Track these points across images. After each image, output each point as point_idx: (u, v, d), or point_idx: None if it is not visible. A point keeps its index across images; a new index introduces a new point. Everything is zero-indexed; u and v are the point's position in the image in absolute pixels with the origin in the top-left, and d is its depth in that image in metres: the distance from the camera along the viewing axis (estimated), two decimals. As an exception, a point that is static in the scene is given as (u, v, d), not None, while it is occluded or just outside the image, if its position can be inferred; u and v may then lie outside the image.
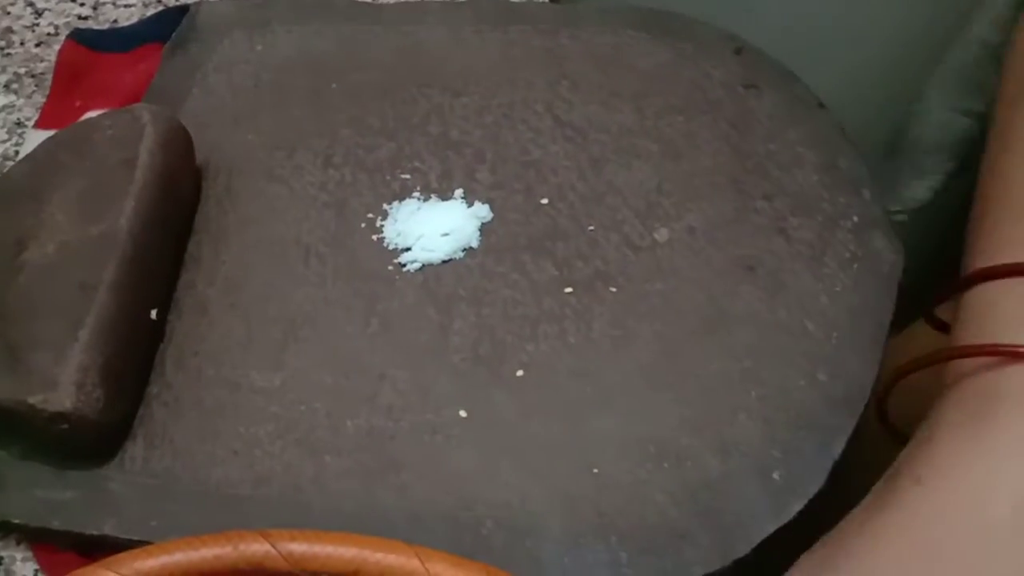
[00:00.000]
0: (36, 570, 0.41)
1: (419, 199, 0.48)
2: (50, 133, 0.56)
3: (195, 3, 0.60)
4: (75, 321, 0.41)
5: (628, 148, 0.48)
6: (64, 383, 0.40)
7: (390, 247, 0.47)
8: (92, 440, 0.41)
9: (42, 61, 0.59)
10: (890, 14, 0.57)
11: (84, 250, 0.43)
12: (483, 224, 0.47)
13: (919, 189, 0.57)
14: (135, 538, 0.39)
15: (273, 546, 0.36)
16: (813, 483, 0.38)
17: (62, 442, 0.41)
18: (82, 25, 0.61)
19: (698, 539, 0.37)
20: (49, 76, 0.58)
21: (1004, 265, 0.35)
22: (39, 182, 0.47)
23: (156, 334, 0.45)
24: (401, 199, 0.48)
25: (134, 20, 0.62)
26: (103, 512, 0.40)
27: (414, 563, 0.35)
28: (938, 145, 0.56)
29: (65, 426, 0.40)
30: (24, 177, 0.48)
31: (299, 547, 0.36)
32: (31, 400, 0.40)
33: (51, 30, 0.61)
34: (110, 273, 0.43)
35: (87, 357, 0.41)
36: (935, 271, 0.44)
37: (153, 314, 0.45)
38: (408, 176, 0.49)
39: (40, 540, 0.42)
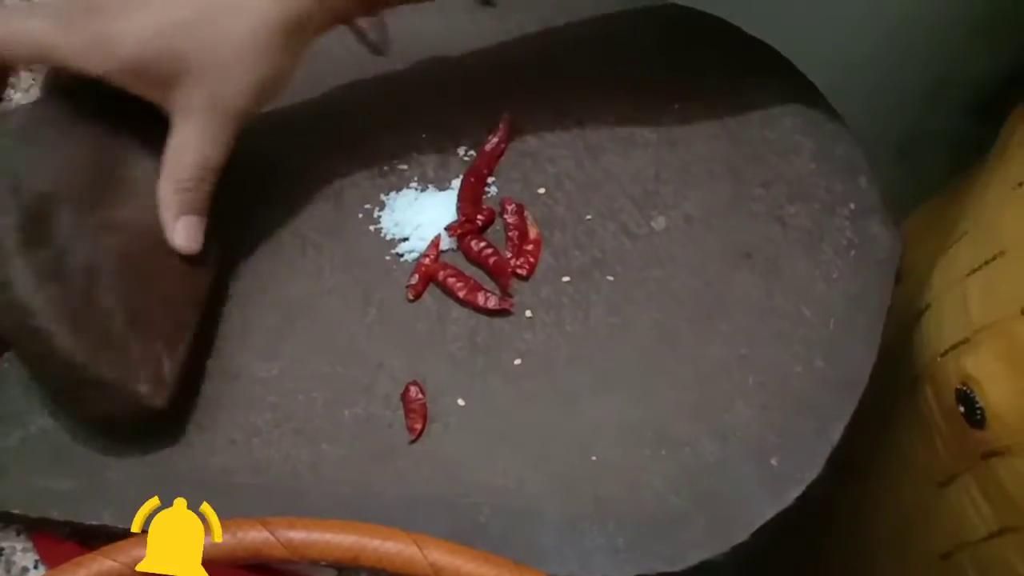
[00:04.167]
0: (36, 560, 0.41)
1: (416, 189, 0.48)
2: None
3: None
4: (181, 325, 0.42)
5: (625, 136, 0.48)
6: (169, 383, 0.40)
7: (387, 237, 0.47)
8: (140, 427, 0.41)
9: (39, 55, 0.59)
10: (887, 1, 0.57)
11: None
12: (480, 213, 0.47)
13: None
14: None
15: (272, 534, 0.36)
16: (811, 469, 0.38)
17: (113, 423, 0.41)
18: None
19: (696, 525, 0.37)
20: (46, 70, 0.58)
21: None
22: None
23: None
24: (398, 189, 0.48)
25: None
26: (102, 501, 0.40)
27: (412, 550, 0.35)
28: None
29: (141, 418, 0.40)
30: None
31: (297, 534, 0.36)
32: (134, 387, 0.39)
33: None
34: (208, 280, 0.44)
35: (186, 362, 0.41)
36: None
37: None
38: (405, 167, 0.49)
39: (39, 529, 0.42)
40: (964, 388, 0.41)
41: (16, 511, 0.41)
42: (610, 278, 0.44)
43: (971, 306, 0.43)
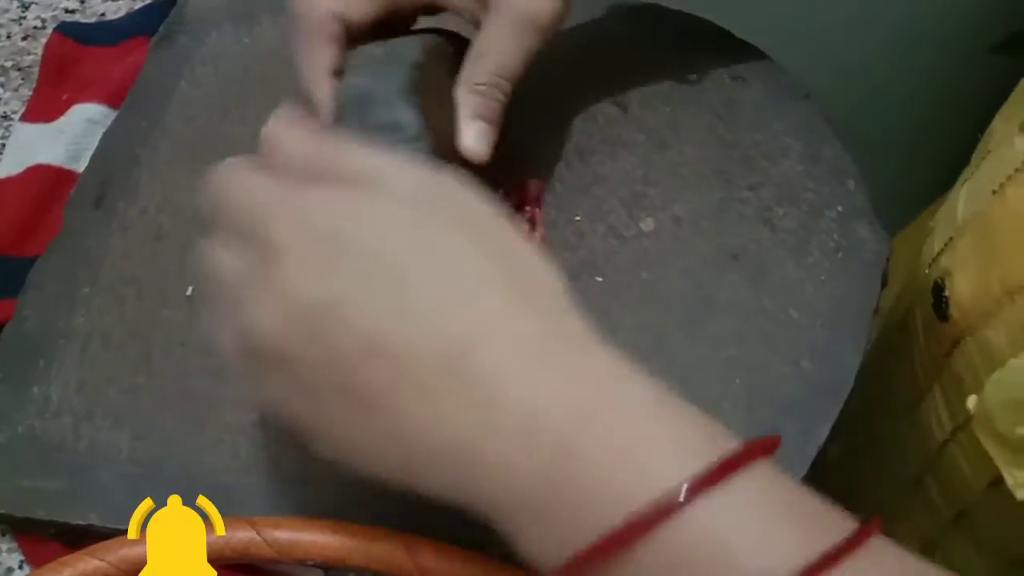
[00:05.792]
0: (21, 560, 0.41)
1: (406, 190, 0.48)
2: (37, 126, 0.56)
3: (182, -4, 0.60)
4: None
5: (614, 138, 0.48)
6: None
7: (377, 238, 0.47)
8: None
9: (29, 54, 0.59)
10: (876, 4, 0.57)
11: None
12: (469, 214, 0.47)
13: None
14: (121, 527, 0.39)
15: (258, 533, 0.36)
16: (797, 470, 0.38)
17: None
18: (69, 19, 0.61)
19: (683, 525, 0.37)
20: (36, 69, 0.58)
21: None
22: None
23: None
24: (388, 190, 0.48)
25: (121, 14, 0.62)
26: (89, 502, 0.40)
27: (400, 551, 0.35)
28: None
29: None
30: None
31: (284, 535, 0.36)
32: None
33: (38, 23, 0.61)
34: None
35: None
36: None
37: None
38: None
39: (25, 530, 0.42)
40: (939, 282, 0.41)
41: (2, 511, 0.41)
42: (599, 279, 0.44)
43: (959, 208, 0.43)
